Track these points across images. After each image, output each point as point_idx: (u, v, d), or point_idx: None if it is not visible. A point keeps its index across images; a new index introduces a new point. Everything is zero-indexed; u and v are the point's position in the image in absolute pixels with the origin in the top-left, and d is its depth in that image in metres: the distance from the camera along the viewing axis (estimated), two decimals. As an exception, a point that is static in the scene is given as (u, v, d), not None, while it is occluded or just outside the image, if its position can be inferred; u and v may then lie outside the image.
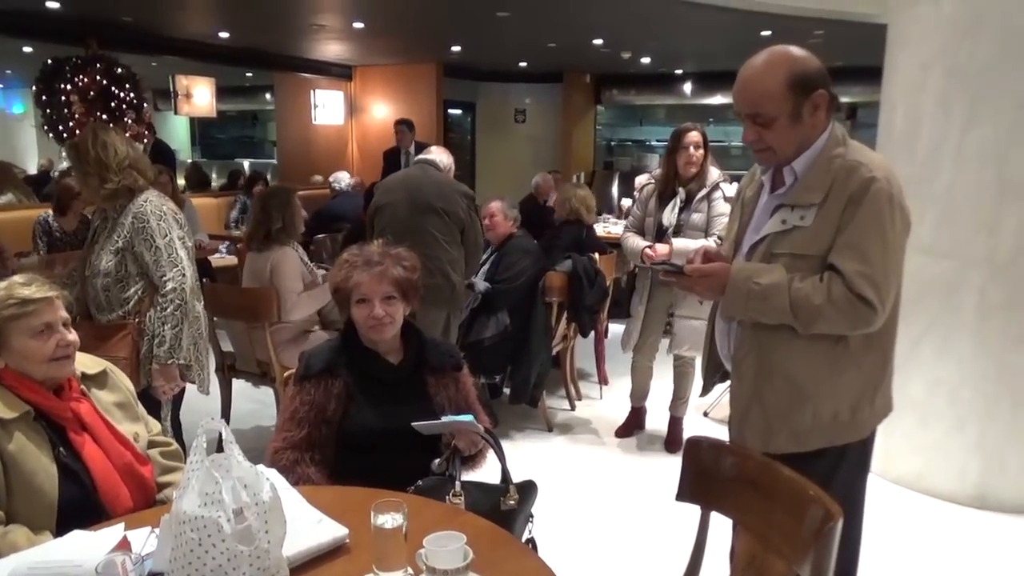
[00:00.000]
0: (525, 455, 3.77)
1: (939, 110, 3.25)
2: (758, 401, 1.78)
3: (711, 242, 3.32)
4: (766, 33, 7.05)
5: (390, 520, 1.33)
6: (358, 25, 7.86)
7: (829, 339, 1.71)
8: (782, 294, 1.66)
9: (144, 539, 1.43)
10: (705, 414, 4.25)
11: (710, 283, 1.76)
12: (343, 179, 7.09)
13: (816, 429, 1.74)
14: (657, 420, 4.04)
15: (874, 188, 1.63)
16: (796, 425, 1.75)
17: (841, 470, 1.77)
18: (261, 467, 1.39)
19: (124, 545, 1.37)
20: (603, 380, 4.78)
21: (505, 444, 2.03)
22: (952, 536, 3.05)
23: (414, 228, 3.57)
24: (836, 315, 1.64)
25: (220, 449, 1.27)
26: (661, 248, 3.48)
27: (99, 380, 1.87)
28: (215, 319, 3.73)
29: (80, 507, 1.65)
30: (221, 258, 5.74)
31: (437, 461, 1.88)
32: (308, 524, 1.48)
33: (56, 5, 6.69)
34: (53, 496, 1.63)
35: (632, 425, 4.06)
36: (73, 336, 1.76)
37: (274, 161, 12.75)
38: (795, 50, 1.69)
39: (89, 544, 1.41)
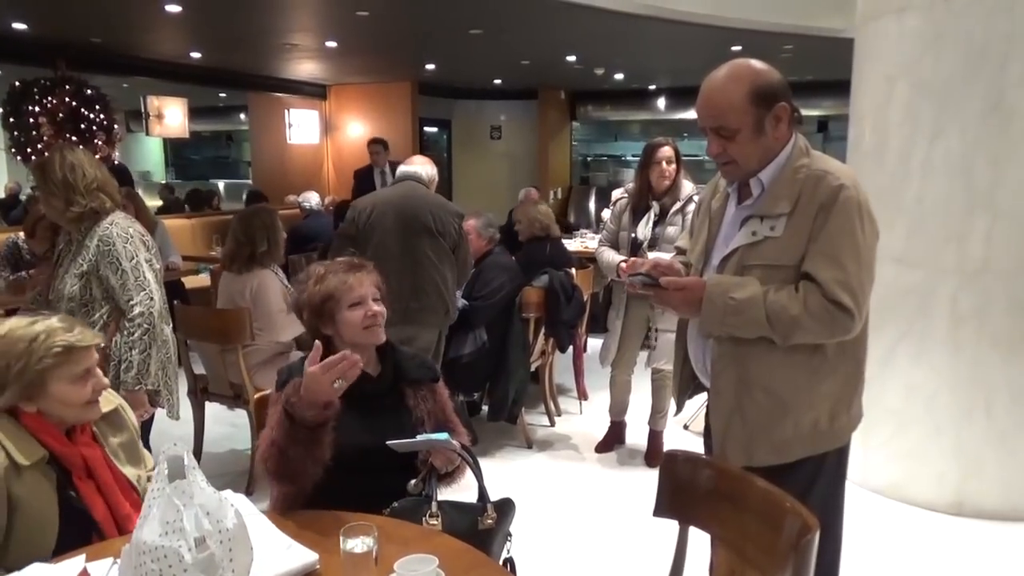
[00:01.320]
0: (505, 472, 3.73)
1: (906, 122, 3.29)
2: (739, 415, 1.77)
3: (665, 255, 3.32)
4: (737, 48, 7.14)
5: (360, 544, 1.30)
6: (331, 44, 7.85)
7: (806, 349, 1.70)
8: (758, 307, 1.66)
9: (106, 570, 1.38)
10: (685, 427, 4.24)
11: (685, 296, 1.74)
12: (312, 199, 6.89)
13: (797, 439, 1.74)
14: (637, 434, 4.03)
15: (843, 196, 1.65)
16: (778, 437, 1.74)
17: (820, 480, 1.77)
18: (227, 493, 1.35)
19: (84, 577, 1.33)
20: (582, 395, 4.76)
21: (484, 461, 2.00)
22: (932, 544, 3.06)
23: (409, 251, 3.52)
24: (814, 324, 1.65)
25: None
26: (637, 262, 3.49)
27: (110, 419, 1.80)
28: (187, 341, 3.67)
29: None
30: (196, 278, 5.65)
31: (413, 482, 1.84)
32: (277, 550, 1.44)
33: (23, 26, 6.62)
34: (51, 541, 1.58)
35: (612, 440, 4.04)
36: (105, 379, 1.73)
37: (249, 181, 12.67)
38: (756, 63, 1.71)
39: (48, 577, 1.36)
